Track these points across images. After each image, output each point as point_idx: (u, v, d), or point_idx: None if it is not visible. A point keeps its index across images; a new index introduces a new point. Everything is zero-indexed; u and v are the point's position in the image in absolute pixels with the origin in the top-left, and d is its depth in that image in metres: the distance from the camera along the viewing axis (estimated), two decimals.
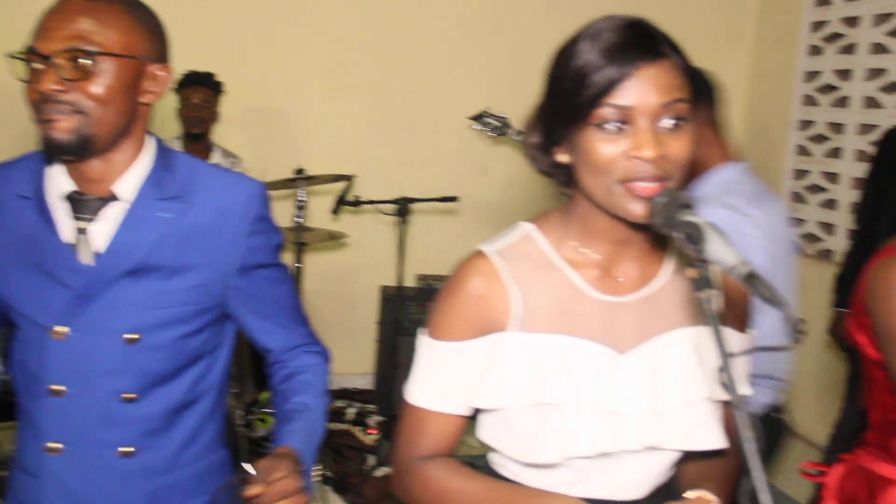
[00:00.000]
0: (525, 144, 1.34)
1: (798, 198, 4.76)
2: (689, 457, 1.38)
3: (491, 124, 3.98)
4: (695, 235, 1.06)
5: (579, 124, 1.19)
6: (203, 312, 1.47)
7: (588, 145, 1.19)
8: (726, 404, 1.34)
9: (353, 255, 4.82)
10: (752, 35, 5.15)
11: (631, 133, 1.17)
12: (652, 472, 1.33)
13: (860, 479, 1.60)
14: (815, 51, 4.64)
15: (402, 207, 3.91)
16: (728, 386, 1.01)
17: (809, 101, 4.69)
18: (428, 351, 1.33)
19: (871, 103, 4.26)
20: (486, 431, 1.34)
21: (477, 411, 1.35)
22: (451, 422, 1.34)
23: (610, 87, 1.16)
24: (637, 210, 1.18)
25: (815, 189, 4.64)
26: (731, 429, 1.37)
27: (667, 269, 1.34)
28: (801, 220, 4.72)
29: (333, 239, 4.09)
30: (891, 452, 1.54)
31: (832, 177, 4.52)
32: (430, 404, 1.33)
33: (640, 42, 1.18)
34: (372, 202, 3.96)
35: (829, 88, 4.54)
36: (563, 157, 1.26)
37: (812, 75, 4.66)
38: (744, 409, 1.00)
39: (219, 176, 1.50)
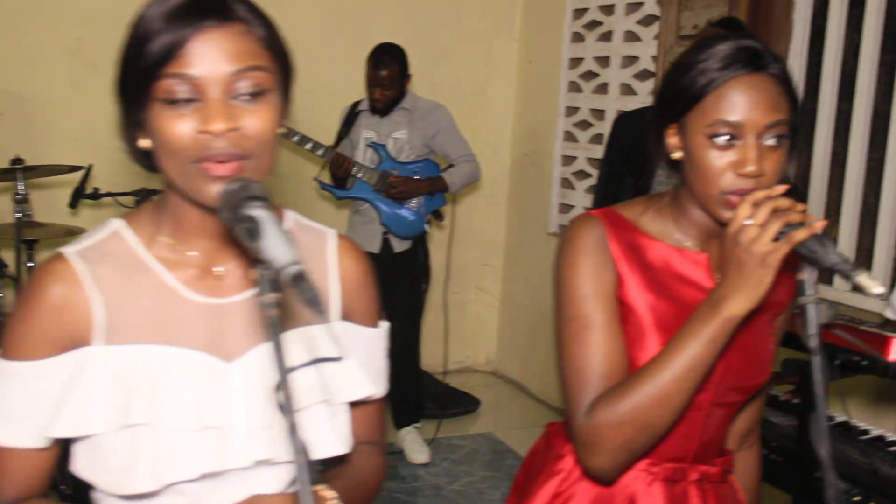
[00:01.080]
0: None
1: (567, 184, 4.83)
2: (328, 465, 1.27)
3: None
4: (253, 231, 0.92)
5: (147, 100, 1.05)
6: None
7: (157, 123, 1.05)
8: (357, 405, 1.24)
9: None
10: (521, 21, 5.17)
11: (200, 107, 1.04)
12: (271, 488, 1.19)
13: (541, 452, 1.57)
14: (578, 38, 4.71)
15: (145, 200, 3.62)
16: (284, 407, 0.88)
17: (574, 87, 4.76)
18: (0, 375, 1.12)
19: (627, 90, 4.36)
20: (79, 464, 1.15)
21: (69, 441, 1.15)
22: (37, 457, 1.15)
23: (170, 54, 1.02)
24: (213, 192, 1.04)
25: (582, 175, 4.72)
26: (367, 427, 1.30)
27: None
28: (571, 206, 4.79)
29: (72, 235, 3.73)
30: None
31: (596, 162, 4.61)
32: (6, 439, 1.13)
33: (206, 3, 1.04)
34: (110, 194, 3.64)
35: (591, 75, 4.62)
36: (144, 143, 1.11)
37: (576, 62, 4.73)
38: (295, 433, 0.86)
39: None
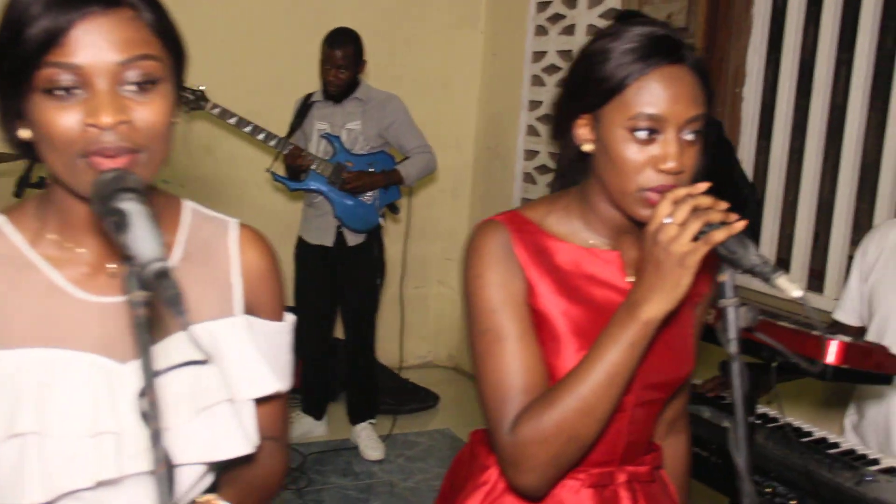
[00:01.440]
0: None
1: (529, 178, 4.79)
2: (229, 464, 1.23)
3: (185, 97, 3.68)
4: (120, 224, 0.86)
5: (26, 90, 0.99)
6: None
7: (40, 115, 0.98)
8: (261, 401, 1.19)
9: None
10: (485, 13, 5.12)
11: (87, 98, 0.97)
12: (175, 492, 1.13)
13: (465, 461, 1.52)
14: (541, 31, 4.67)
15: None
16: (148, 415, 0.82)
17: (537, 81, 4.71)
18: None
19: None
20: None
21: None
22: None
23: (51, 41, 0.96)
24: None
25: (544, 169, 4.68)
26: (271, 423, 1.25)
27: (173, 260, 1.16)
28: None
29: None
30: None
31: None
32: None
33: None
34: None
35: (554, 69, 4.57)
36: (24, 133, 1.04)
37: (539, 55, 4.69)
38: (159, 442, 0.81)
39: None
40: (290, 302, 4.22)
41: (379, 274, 4.07)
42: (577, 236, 1.35)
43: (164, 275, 0.80)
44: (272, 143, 3.84)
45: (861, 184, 3.20)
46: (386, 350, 4.72)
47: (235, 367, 1.14)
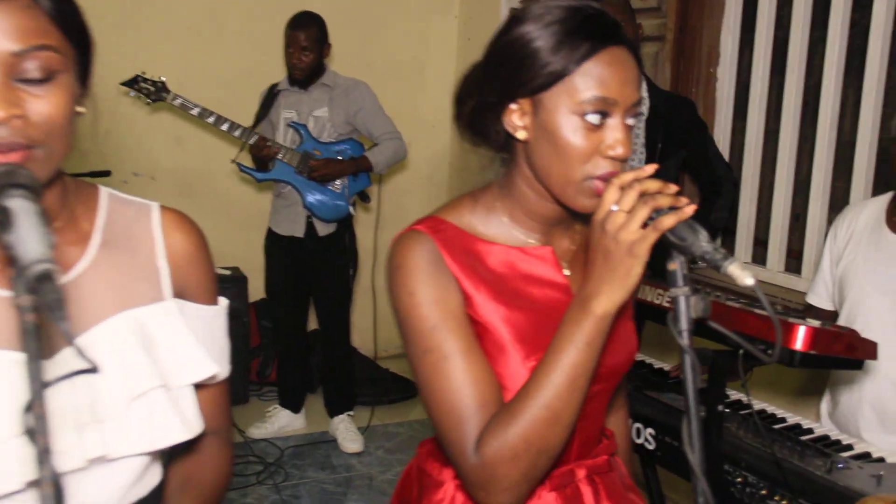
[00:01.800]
0: None
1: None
2: (177, 454, 1.19)
3: (146, 89, 3.60)
4: (4, 223, 0.80)
5: None
6: None
7: None
8: (200, 389, 1.16)
9: None
10: None
11: None
12: (115, 487, 1.10)
13: (414, 478, 1.45)
14: None
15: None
16: (33, 432, 0.75)
17: None
18: None
19: None
20: None
21: None
22: None
23: None
24: None
25: None
26: (211, 413, 1.20)
27: (92, 247, 1.11)
28: None
29: None
30: (443, 451, 1.37)
31: None
32: None
33: None
34: None
35: None
36: None
37: None
38: (47, 460, 0.74)
39: None
40: (263, 294, 4.16)
41: (351, 264, 4.00)
42: (506, 235, 1.28)
43: (46, 278, 0.74)
44: (236, 132, 3.77)
45: (837, 163, 3.15)
46: (363, 340, 4.66)
47: (169, 352, 1.09)
